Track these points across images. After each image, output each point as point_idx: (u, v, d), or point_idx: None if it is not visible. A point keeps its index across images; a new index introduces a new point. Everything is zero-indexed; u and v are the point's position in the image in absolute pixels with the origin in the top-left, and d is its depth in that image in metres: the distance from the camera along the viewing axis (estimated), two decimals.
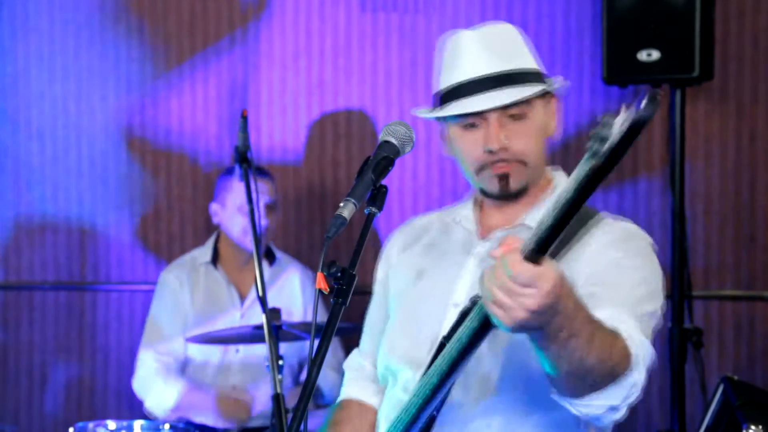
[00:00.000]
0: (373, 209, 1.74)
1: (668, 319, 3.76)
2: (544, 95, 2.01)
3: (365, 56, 4.29)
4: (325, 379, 3.66)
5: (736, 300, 4.03)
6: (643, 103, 1.32)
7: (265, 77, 4.34)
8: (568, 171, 1.98)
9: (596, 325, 1.64)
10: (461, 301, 1.93)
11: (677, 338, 3.69)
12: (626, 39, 3.63)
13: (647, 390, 4.52)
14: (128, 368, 3.83)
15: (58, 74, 4.44)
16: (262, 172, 3.67)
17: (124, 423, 3.17)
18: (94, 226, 4.44)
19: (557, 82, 2.03)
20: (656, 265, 1.96)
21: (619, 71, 3.68)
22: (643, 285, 1.89)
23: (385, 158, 1.78)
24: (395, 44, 4.28)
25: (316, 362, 1.64)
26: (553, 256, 1.81)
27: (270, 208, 3.68)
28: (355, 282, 1.69)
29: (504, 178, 1.98)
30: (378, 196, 1.75)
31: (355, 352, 2.29)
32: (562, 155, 4.08)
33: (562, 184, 2.01)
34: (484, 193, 2.04)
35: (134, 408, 3.91)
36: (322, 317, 1.83)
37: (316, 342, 1.68)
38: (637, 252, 1.95)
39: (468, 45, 1.98)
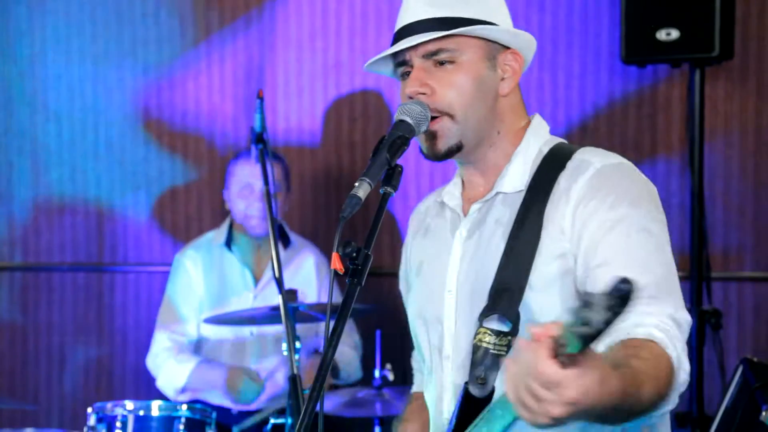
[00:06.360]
0: (388, 189, 1.72)
1: (687, 301, 3.73)
2: (492, 48, 1.85)
3: (382, 37, 4.27)
4: (342, 356, 3.67)
5: (755, 281, 4.00)
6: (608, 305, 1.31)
7: (281, 58, 4.33)
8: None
9: (639, 376, 1.55)
10: (453, 287, 1.89)
11: (696, 320, 3.67)
12: (645, 18, 3.60)
13: None
14: (146, 349, 3.84)
15: (75, 56, 4.44)
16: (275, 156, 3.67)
17: (142, 403, 3.17)
18: (112, 208, 4.45)
19: (497, 30, 1.84)
20: (644, 200, 1.78)
21: (638, 50, 3.64)
22: (647, 241, 1.73)
23: (400, 138, 1.76)
24: None
25: (331, 343, 1.63)
26: (540, 208, 1.75)
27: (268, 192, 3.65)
28: (370, 262, 1.67)
29: (431, 136, 1.83)
30: (393, 176, 1.73)
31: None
32: (580, 135, 4.06)
33: (537, 131, 1.89)
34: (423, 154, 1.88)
35: (152, 388, 3.93)
36: (337, 298, 1.82)
37: (332, 322, 1.67)
38: (622, 195, 1.76)
39: None
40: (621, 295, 1.32)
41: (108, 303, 4.47)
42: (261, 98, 3.00)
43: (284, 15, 4.32)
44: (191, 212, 4.41)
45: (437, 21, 1.82)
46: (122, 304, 4.46)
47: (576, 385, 1.40)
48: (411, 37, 1.83)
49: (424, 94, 1.83)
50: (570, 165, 1.82)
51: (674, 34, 3.57)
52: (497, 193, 1.88)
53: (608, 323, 1.33)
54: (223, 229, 3.81)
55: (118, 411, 3.13)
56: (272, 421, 3.14)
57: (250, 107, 4.23)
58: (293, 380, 2.79)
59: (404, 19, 1.87)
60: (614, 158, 1.85)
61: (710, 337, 3.72)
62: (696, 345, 3.66)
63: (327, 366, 1.61)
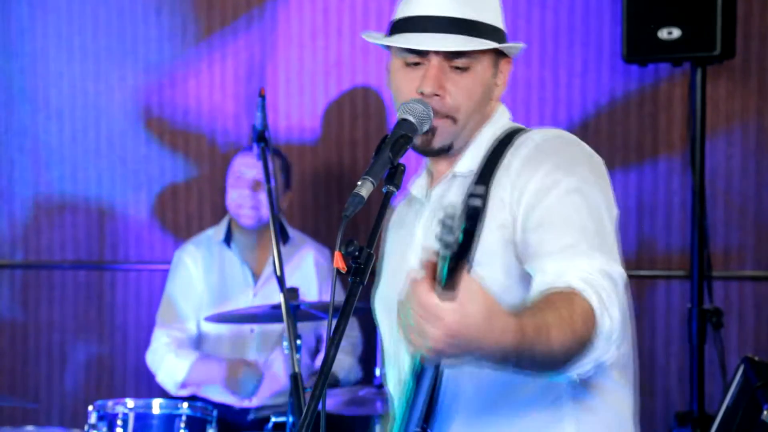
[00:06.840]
0: (391, 188, 1.73)
1: (688, 300, 3.74)
2: (497, 55, 1.89)
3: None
4: (340, 364, 3.66)
5: (756, 280, 4.00)
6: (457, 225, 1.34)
7: (282, 56, 4.32)
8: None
9: (545, 321, 1.54)
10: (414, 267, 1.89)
11: (697, 319, 3.66)
12: (647, 16, 3.59)
13: (666, 370, 4.45)
14: (146, 347, 3.84)
15: (77, 54, 4.44)
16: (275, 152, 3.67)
17: (143, 401, 3.17)
18: (113, 206, 4.45)
19: (514, 46, 1.90)
20: (579, 166, 1.81)
21: (640, 49, 3.64)
22: (578, 203, 1.75)
23: (402, 136, 1.76)
24: None
25: (334, 341, 1.63)
26: (485, 183, 1.78)
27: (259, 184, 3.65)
28: (372, 261, 1.68)
29: (430, 131, 1.85)
30: (396, 175, 1.73)
31: None
32: (581, 134, 4.04)
33: (499, 120, 1.93)
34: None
35: (153, 386, 3.93)
36: (339, 297, 1.82)
37: (334, 321, 1.67)
38: (557, 163, 1.79)
39: None
40: (469, 211, 1.33)
41: (109, 301, 4.46)
42: (263, 96, 3.01)
43: (285, 13, 4.32)
44: (192, 210, 4.41)
45: (463, 23, 1.83)
46: (123, 303, 4.46)
47: (453, 312, 1.41)
48: (441, 37, 1.82)
49: (437, 95, 1.84)
50: (515, 141, 1.86)
51: (676, 33, 3.57)
52: (453, 176, 1.91)
53: (460, 243, 1.34)
54: (222, 225, 3.81)
55: (119, 409, 3.13)
56: (273, 419, 3.14)
57: (251, 105, 4.23)
58: (294, 378, 2.79)
59: (425, 6, 1.85)
60: (555, 132, 1.90)
61: (711, 336, 3.72)
62: (697, 344, 3.66)
63: (330, 364, 1.61)
